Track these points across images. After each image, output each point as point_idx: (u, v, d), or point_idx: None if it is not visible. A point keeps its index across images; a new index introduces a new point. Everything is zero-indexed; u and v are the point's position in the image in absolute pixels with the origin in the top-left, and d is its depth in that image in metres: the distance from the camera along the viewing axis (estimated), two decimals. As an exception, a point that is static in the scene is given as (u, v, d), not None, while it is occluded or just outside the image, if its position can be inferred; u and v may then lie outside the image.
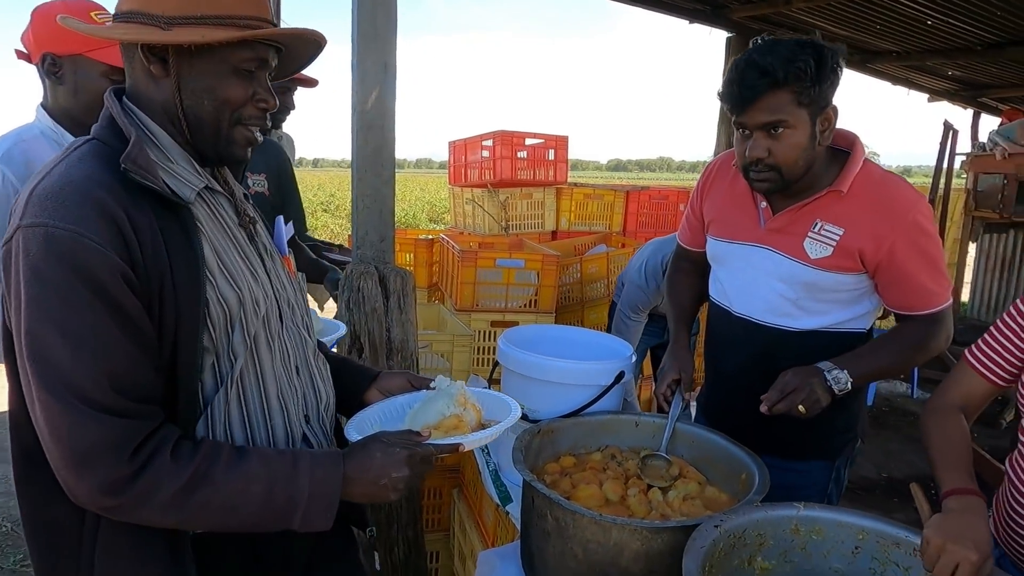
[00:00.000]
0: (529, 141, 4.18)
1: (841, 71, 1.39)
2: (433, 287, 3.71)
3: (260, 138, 1.05)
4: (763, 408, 1.44)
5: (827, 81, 1.37)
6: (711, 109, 6.33)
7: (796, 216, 1.52)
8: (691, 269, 1.88)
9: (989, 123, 8.06)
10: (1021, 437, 1.20)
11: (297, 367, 1.13)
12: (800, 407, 1.40)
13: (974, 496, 1.11)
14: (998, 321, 1.23)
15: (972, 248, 6.96)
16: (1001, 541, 1.23)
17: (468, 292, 2.96)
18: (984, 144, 6.97)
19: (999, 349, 1.22)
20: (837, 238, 1.47)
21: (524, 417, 1.81)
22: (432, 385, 1.28)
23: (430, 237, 3.66)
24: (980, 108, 8.10)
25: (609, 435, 1.74)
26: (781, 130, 1.38)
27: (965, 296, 7.27)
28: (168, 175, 0.95)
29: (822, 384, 1.41)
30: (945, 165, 6.44)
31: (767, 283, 1.57)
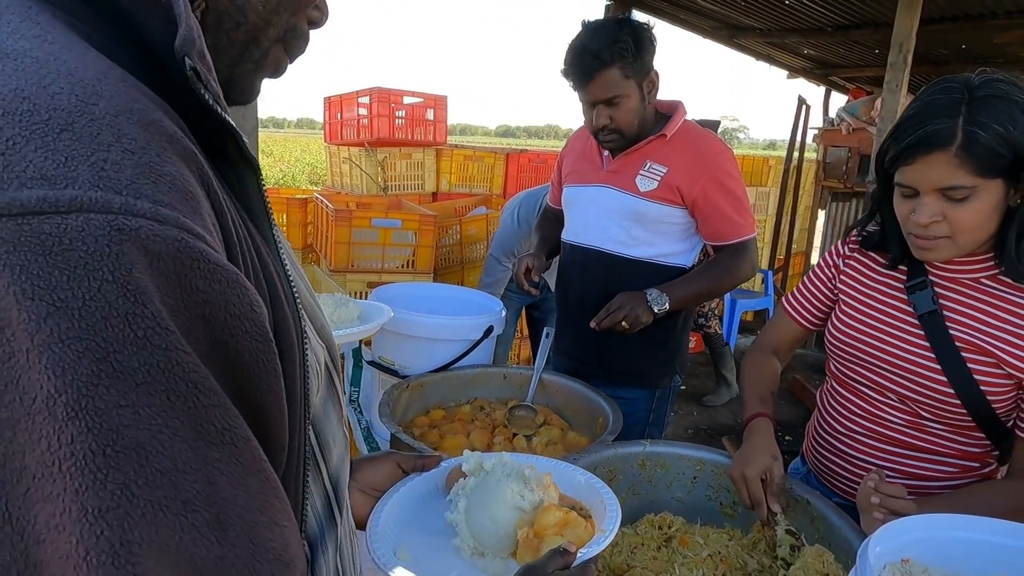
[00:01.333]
0: (407, 100, 4.10)
1: (655, 42, 1.66)
2: (307, 248, 3.59)
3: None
4: (592, 324, 1.67)
5: (646, 53, 1.63)
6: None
7: (630, 159, 1.76)
8: (556, 220, 2.06)
9: (839, 100, 8.80)
10: (827, 373, 1.36)
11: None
12: (623, 323, 1.64)
13: (760, 417, 1.26)
14: (810, 272, 1.37)
15: (821, 215, 7.63)
16: (810, 461, 1.39)
17: (343, 252, 2.90)
18: (833, 119, 7.59)
19: (809, 296, 1.36)
20: (662, 174, 1.72)
21: (394, 373, 1.82)
22: (457, 466, 0.90)
23: (303, 197, 3.51)
24: (831, 86, 8.78)
25: (478, 388, 1.79)
26: (618, 101, 1.65)
27: (815, 258, 7.99)
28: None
29: (644, 304, 1.66)
30: (799, 138, 6.99)
31: (607, 215, 1.79)
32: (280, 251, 0.49)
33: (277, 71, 0.57)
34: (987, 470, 1.20)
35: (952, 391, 1.12)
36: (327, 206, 3.04)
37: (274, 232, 0.49)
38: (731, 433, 1.38)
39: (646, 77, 1.66)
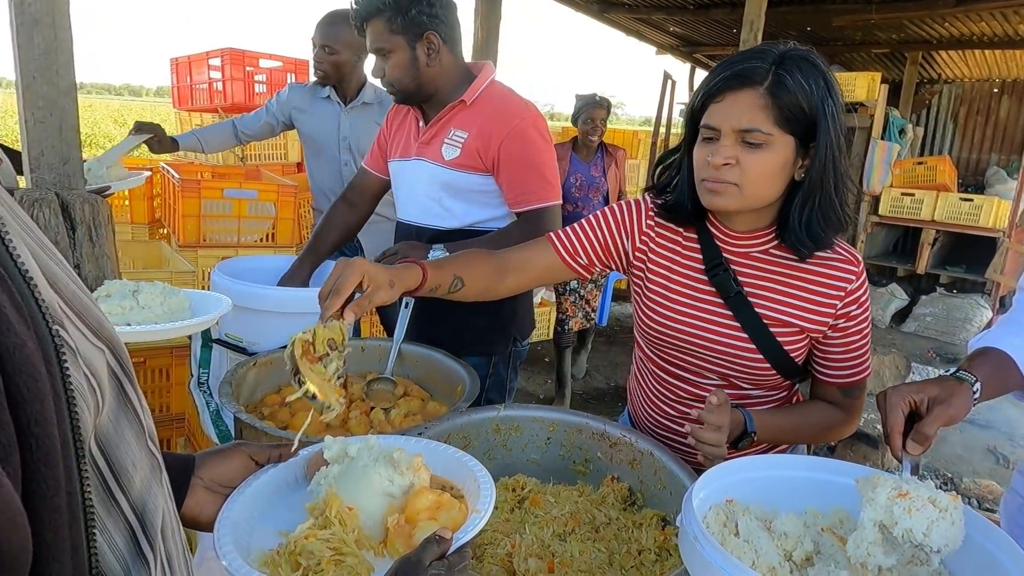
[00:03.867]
0: (264, 63, 3.83)
1: (437, 5, 1.65)
2: (155, 223, 3.30)
3: None
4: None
5: (413, 10, 1.62)
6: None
7: (437, 128, 1.75)
8: (350, 207, 2.03)
9: (703, 77, 9.25)
10: (640, 354, 1.39)
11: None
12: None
13: (412, 264, 1.20)
14: (591, 216, 1.31)
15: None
16: (633, 411, 1.46)
17: (192, 226, 2.68)
18: (697, 95, 7.93)
19: (587, 238, 1.29)
20: (463, 140, 1.71)
21: (242, 350, 1.71)
22: (319, 453, 0.85)
23: (149, 168, 3.21)
24: (696, 63, 9.20)
25: (335, 362, 1.71)
26: (386, 55, 1.67)
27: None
28: None
29: (422, 257, 1.61)
30: (665, 112, 7.28)
31: (422, 189, 1.78)
32: (7, 241, 0.38)
33: None
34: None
35: (766, 362, 1.19)
36: (172, 176, 2.79)
37: None
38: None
39: (421, 38, 1.66)
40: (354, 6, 1.69)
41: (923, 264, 6.43)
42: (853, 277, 1.14)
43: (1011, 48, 6.30)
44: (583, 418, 1.31)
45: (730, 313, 1.19)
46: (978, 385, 0.98)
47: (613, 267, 1.32)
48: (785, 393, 1.30)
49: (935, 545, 0.79)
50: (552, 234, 1.32)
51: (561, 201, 1.77)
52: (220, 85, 3.71)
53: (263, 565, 0.72)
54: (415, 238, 1.79)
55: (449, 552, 0.70)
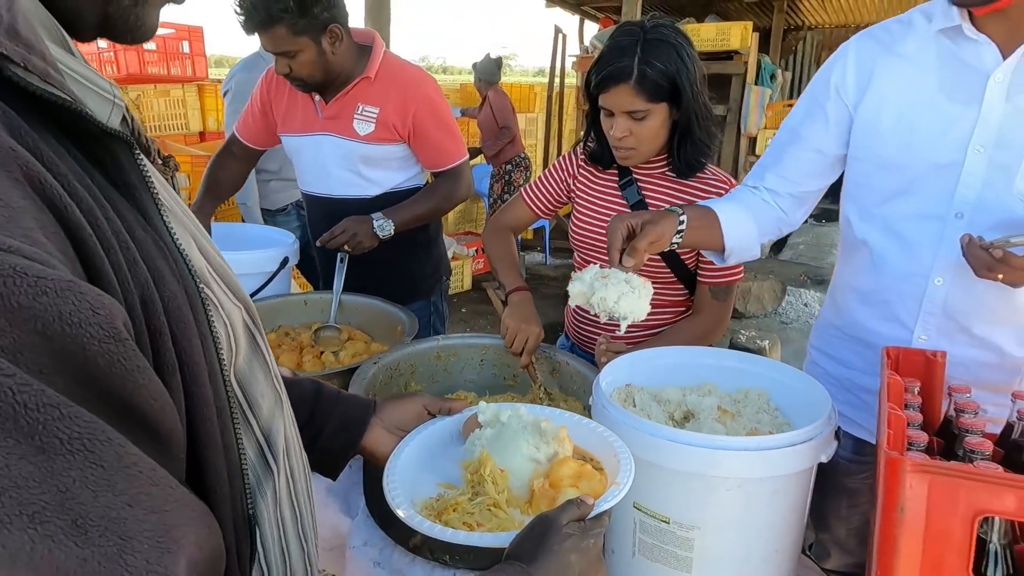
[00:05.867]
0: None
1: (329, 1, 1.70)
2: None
3: None
4: (317, 242, 1.85)
5: (315, 8, 1.67)
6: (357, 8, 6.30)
7: (343, 103, 1.86)
8: (234, 159, 2.14)
9: (592, 29, 9.52)
10: (576, 264, 1.69)
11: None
12: (345, 246, 1.80)
13: (525, 291, 1.57)
14: (545, 171, 1.69)
15: (583, 137, 8.33)
16: (572, 336, 1.74)
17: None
18: (587, 47, 8.23)
19: (544, 191, 1.68)
20: (375, 115, 1.85)
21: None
22: (474, 415, 0.91)
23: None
24: (584, 16, 9.45)
25: (282, 316, 1.88)
26: (294, 55, 1.72)
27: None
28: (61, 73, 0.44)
29: (369, 230, 1.80)
30: (559, 65, 7.52)
31: (335, 163, 1.91)
32: (167, 222, 0.49)
33: None
34: (690, 313, 1.62)
35: (661, 261, 1.50)
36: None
37: (158, 203, 0.49)
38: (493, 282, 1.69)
39: (323, 32, 1.71)
40: (245, 15, 1.67)
41: (795, 198, 7.10)
42: (725, 188, 1.48)
43: (862, -4, 6.93)
44: (509, 340, 1.57)
45: None
46: (684, 217, 1.21)
47: (564, 203, 1.68)
48: (682, 298, 1.60)
49: (623, 312, 1.13)
50: (523, 193, 1.68)
51: (468, 155, 1.99)
52: (111, 55, 3.60)
53: (423, 509, 0.81)
54: (335, 208, 1.90)
55: (588, 517, 0.74)
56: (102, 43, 3.72)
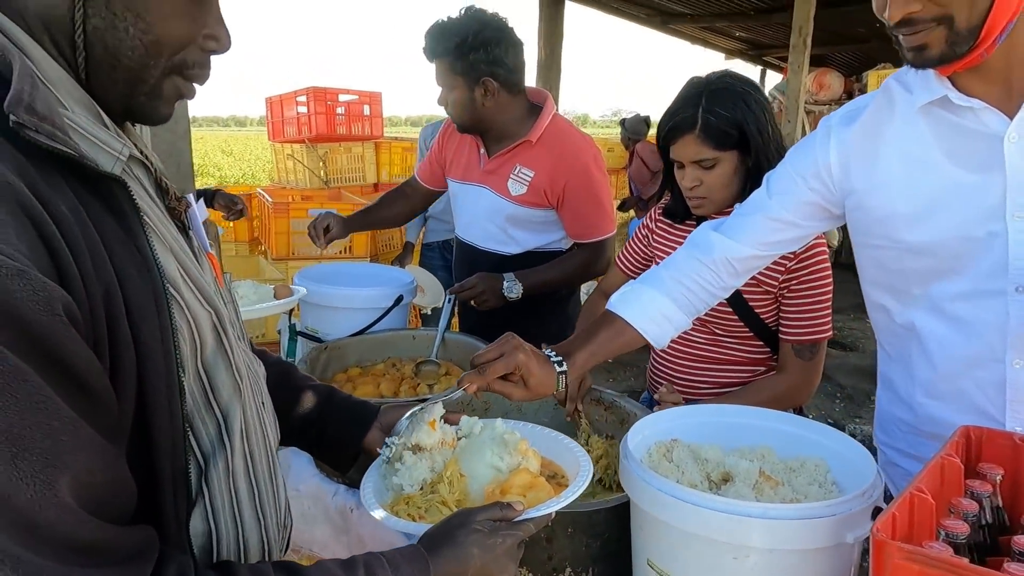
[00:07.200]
0: (343, 97, 4.33)
1: (502, 48, 1.77)
2: (254, 240, 3.83)
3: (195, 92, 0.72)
4: (448, 291, 1.94)
5: (472, 56, 1.76)
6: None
7: (503, 160, 1.94)
8: (402, 198, 2.35)
9: (775, 79, 9.19)
10: None
11: (264, 431, 0.81)
12: (471, 301, 1.88)
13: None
14: (632, 236, 1.70)
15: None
16: (648, 386, 1.71)
17: (283, 242, 3.14)
18: (768, 97, 7.98)
19: (630, 254, 1.69)
20: (530, 179, 1.90)
21: (318, 339, 2.09)
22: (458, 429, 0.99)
23: (247, 193, 3.74)
24: (766, 66, 9.17)
25: (391, 349, 2.06)
26: (450, 90, 1.84)
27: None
28: (76, 134, 0.60)
29: (498, 291, 1.86)
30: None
31: (487, 216, 2.00)
32: (149, 239, 0.63)
33: (184, 96, 0.70)
34: (771, 373, 1.52)
35: (731, 309, 1.44)
36: (267, 200, 3.27)
37: (143, 225, 0.63)
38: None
39: (477, 81, 1.81)
40: (426, 45, 1.87)
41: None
42: None
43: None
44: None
45: None
46: (564, 368, 1.15)
47: (648, 260, 1.67)
48: (762, 356, 1.52)
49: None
50: (617, 261, 1.74)
51: (615, 231, 2.01)
52: (306, 119, 4.23)
53: (389, 504, 0.90)
54: (478, 258, 2.03)
55: (513, 520, 0.78)
56: (302, 109, 4.37)
